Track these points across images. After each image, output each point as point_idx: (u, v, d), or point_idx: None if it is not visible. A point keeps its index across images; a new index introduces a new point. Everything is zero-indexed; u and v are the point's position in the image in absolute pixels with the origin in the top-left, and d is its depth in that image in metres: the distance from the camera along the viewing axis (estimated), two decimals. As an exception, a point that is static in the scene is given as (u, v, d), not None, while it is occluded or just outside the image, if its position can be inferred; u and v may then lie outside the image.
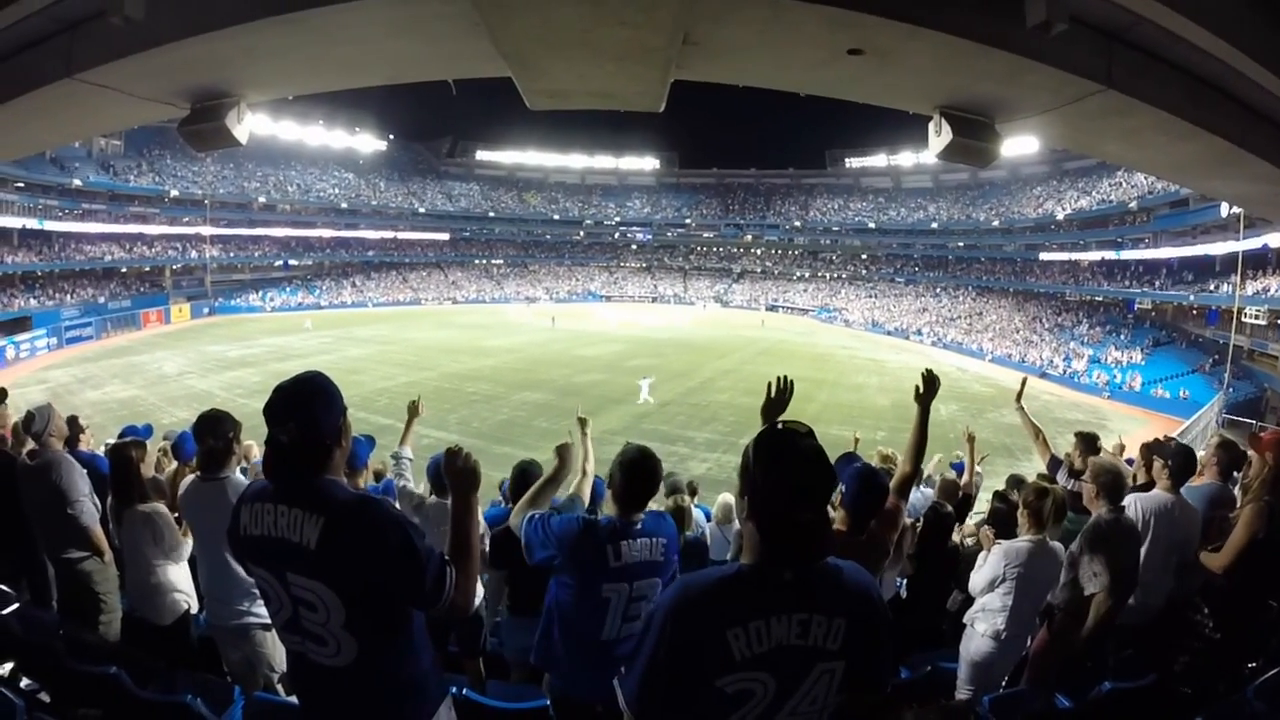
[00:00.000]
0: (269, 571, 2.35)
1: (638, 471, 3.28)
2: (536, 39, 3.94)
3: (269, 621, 2.89)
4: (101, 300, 54.92)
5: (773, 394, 3.55)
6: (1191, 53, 4.29)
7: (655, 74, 4.50)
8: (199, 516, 4.20)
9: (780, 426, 1.95)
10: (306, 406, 2.35)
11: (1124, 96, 4.50)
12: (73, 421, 6.17)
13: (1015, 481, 7.06)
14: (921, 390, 3.88)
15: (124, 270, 61.30)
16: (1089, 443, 6.24)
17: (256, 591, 3.44)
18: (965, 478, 7.89)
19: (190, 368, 37.03)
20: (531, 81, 4.70)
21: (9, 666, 3.64)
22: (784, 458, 1.87)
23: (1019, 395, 6.62)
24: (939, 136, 4.94)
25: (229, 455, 4.13)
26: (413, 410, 5.60)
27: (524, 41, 3.98)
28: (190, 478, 4.30)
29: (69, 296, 52.76)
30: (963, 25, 3.89)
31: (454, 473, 2.52)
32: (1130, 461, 7.09)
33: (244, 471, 5.65)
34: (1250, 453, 4.96)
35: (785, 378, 3.58)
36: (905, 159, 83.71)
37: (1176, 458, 4.97)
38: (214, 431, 4.09)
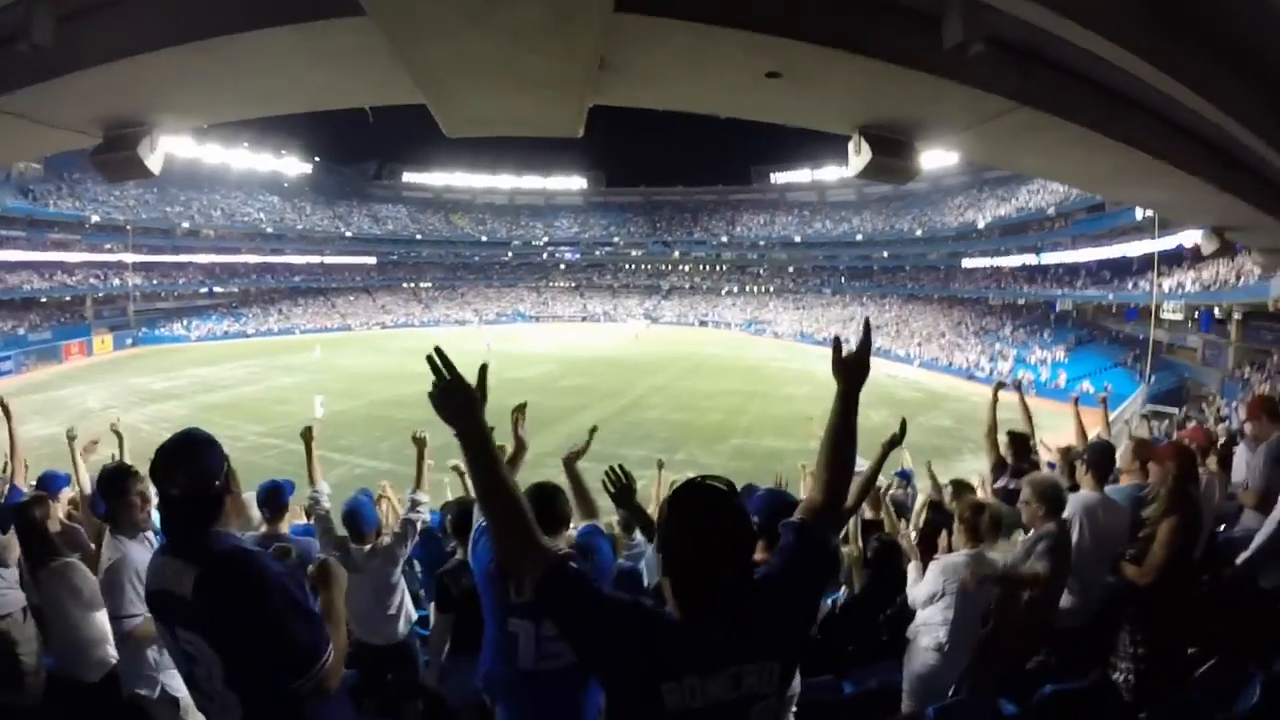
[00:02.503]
0: (163, 624, 2.37)
1: (532, 501, 3.29)
2: (451, 69, 3.87)
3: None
4: (21, 332, 52.77)
5: (612, 490, 3.52)
6: (1106, 69, 4.38)
7: (573, 100, 4.46)
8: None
9: (697, 481, 1.92)
10: (193, 456, 2.38)
11: (1040, 113, 4.59)
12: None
13: (959, 487, 6.97)
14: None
15: (44, 300, 58.96)
16: (1022, 443, 6.33)
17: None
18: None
19: (114, 401, 35.54)
20: (448, 110, 4.63)
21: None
22: (692, 513, 1.85)
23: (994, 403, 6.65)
24: (859, 156, 4.98)
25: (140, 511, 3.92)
26: (306, 438, 5.32)
27: (438, 71, 3.92)
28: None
29: (-14, 329, 50.73)
30: (881, 48, 3.91)
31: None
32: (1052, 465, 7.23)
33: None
34: (1150, 464, 5.05)
35: (617, 468, 3.57)
36: (829, 173, 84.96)
37: (1092, 454, 5.07)
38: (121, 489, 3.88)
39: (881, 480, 8.06)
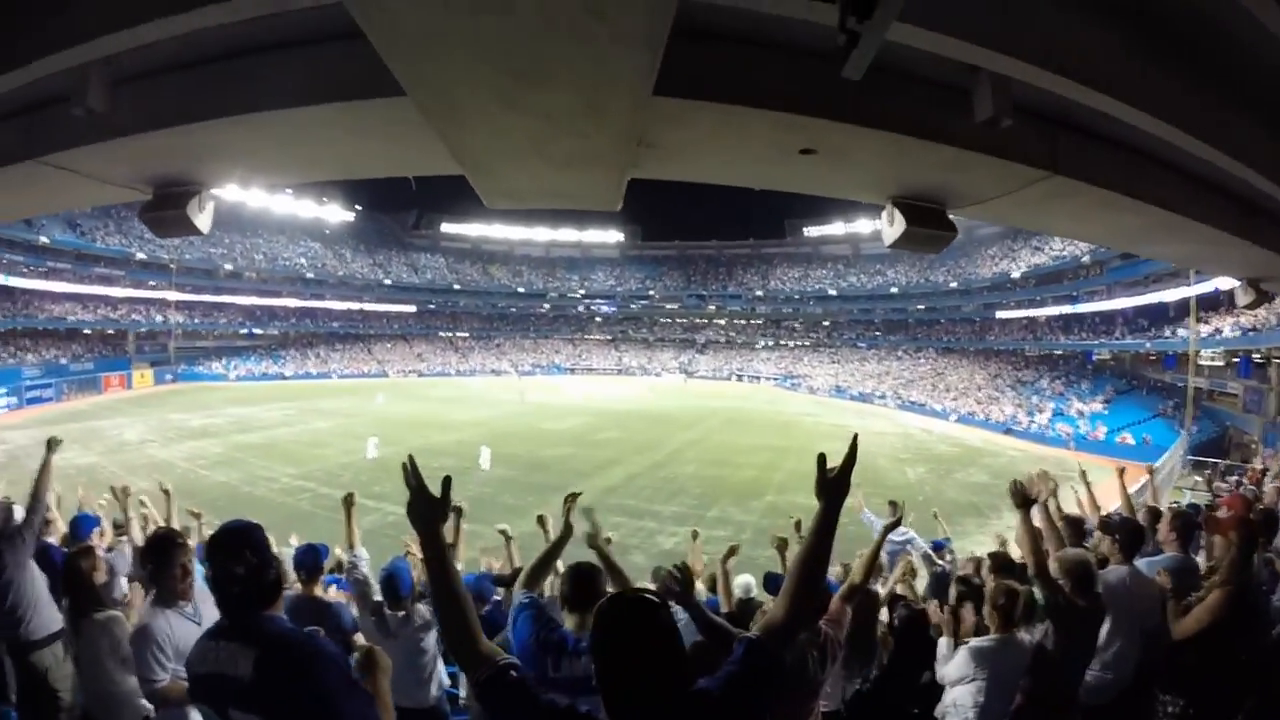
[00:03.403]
0: (213, 708, 2.46)
1: (570, 582, 3.49)
2: (489, 148, 3.98)
3: None
4: (63, 361, 54.43)
5: (677, 589, 3.57)
6: (1130, 130, 4.40)
7: (611, 177, 4.56)
8: None
9: (626, 594, 2.03)
10: (254, 540, 2.53)
11: (1069, 180, 4.61)
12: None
13: (999, 562, 6.56)
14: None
15: (87, 332, 60.82)
16: (1077, 528, 6.18)
17: None
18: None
19: (151, 435, 36.34)
20: (487, 183, 4.73)
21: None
22: (616, 627, 1.93)
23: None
24: (892, 227, 5.02)
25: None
26: (348, 504, 5.47)
27: (477, 149, 4.03)
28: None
29: (30, 355, 52.29)
30: (913, 124, 3.96)
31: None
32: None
33: None
34: (1214, 537, 5.05)
35: (675, 569, 3.61)
36: (863, 226, 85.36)
37: (1122, 531, 5.08)
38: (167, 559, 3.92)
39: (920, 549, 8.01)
